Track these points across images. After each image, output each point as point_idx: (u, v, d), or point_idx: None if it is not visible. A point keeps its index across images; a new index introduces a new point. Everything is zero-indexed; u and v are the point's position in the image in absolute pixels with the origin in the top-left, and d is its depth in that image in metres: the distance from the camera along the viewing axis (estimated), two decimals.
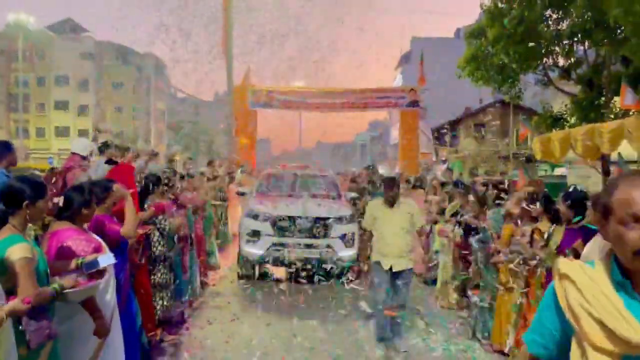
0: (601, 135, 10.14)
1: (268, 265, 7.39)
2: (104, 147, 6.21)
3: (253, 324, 5.38)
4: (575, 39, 14.94)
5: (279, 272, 7.56)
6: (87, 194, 2.94)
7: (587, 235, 3.12)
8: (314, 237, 6.93)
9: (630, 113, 9.18)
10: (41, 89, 48.34)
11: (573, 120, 17.05)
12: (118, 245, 3.24)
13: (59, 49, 48.07)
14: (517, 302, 3.98)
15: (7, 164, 4.12)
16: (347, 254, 7.11)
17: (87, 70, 49.23)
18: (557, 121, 18.18)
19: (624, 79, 10.74)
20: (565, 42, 15.11)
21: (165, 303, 4.70)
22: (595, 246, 3.08)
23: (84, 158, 5.15)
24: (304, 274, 6.78)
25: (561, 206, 3.49)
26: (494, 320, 4.53)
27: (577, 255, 3.21)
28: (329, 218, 7.04)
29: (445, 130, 31.63)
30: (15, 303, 2.08)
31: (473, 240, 5.12)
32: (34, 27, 44.71)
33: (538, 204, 4.04)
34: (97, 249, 2.86)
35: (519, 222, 4.22)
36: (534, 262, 3.73)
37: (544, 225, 3.80)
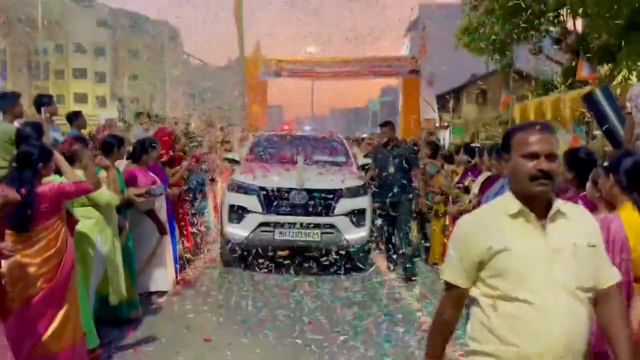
0: (564, 104, 11.54)
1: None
2: (138, 116, 7.89)
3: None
4: (561, 11, 15.98)
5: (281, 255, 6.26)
6: (146, 146, 4.55)
7: (476, 174, 4.71)
8: (313, 214, 5.68)
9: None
10: (60, 56, 49.86)
11: (562, 88, 18.22)
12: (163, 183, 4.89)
13: (75, 17, 49.35)
14: (444, 224, 5.68)
15: (77, 126, 5.73)
16: (356, 235, 5.79)
17: (102, 38, 50.62)
18: (547, 88, 19.33)
19: (582, 52, 11.99)
20: (551, 14, 16.13)
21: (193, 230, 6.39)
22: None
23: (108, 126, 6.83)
24: (303, 259, 5.84)
25: (461, 154, 5.15)
26: (431, 241, 6.18)
27: (466, 189, 4.76)
28: (332, 190, 5.76)
29: (448, 97, 32.66)
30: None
31: None
32: None
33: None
34: (154, 182, 4.48)
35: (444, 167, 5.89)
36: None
37: (459, 169, 5.43)
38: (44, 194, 2.86)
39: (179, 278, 5.33)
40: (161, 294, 4.83)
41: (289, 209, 5.71)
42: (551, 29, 17.40)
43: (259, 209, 5.72)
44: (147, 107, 36.71)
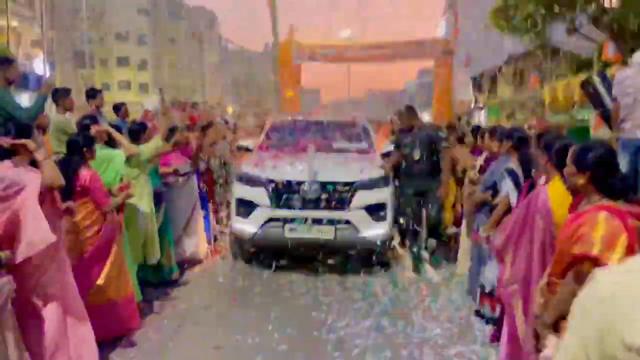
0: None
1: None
2: (173, 104, 8.61)
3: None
4: None
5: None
6: (174, 131, 5.17)
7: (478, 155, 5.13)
8: (327, 209, 5.22)
9: None
10: (104, 45, 51.77)
11: (598, 66, 17.98)
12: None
13: (117, 6, 51.03)
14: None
15: (122, 116, 6.41)
16: (375, 232, 5.27)
17: (143, 26, 52.17)
18: (581, 67, 19.08)
19: (606, 33, 11.94)
20: None
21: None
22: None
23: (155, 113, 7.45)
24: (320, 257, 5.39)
25: (468, 136, 5.56)
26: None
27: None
28: (348, 182, 5.28)
29: (484, 78, 32.28)
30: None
31: None
32: None
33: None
34: (182, 162, 5.16)
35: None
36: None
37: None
38: (81, 178, 3.43)
39: (212, 248, 5.97)
40: (195, 262, 5.49)
41: (300, 203, 5.24)
42: (588, 6, 17.16)
43: (268, 203, 5.27)
44: (185, 94, 37.93)
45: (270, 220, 5.25)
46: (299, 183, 5.26)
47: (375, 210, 5.34)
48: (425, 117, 26.85)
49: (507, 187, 3.56)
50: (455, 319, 4.14)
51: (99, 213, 3.51)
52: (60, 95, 5.17)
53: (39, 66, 24.58)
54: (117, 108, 6.37)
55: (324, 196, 5.23)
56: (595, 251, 1.87)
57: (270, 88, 40.34)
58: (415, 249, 5.47)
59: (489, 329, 3.84)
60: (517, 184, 3.51)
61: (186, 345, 3.73)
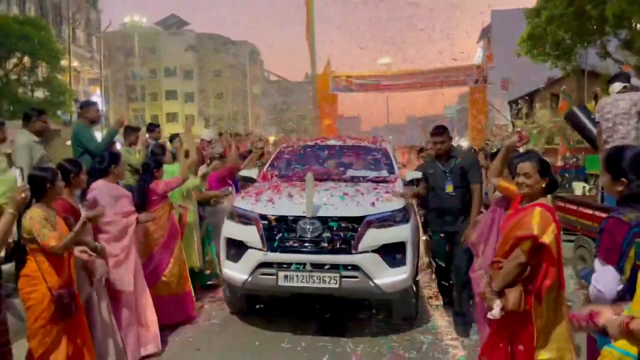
0: None
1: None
2: (220, 135, 9.65)
3: None
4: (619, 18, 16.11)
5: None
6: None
7: None
8: (330, 252, 4.26)
9: None
10: (153, 80, 54.87)
11: None
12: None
13: (166, 43, 54.17)
14: None
15: (175, 145, 7.42)
16: (391, 279, 4.28)
17: (190, 61, 55.04)
18: None
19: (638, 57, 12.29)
20: (612, 18, 16.29)
21: None
22: None
23: (209, 142, 8.45)
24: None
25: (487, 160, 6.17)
26: None
27: None
28: (356, 218, 4.32)
29: (521, 103, 32.43)
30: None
31: None
32: (145, 25, 50.56)
33: None
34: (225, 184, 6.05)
35: None
36: None
37: None
38: (155, 189, 4.42)
39: None
40: None
41: (297, 245, 4.28)
42: (619, 31, 17.55)
43: (259, 244, 4.33)
44: (230, 125, 39.71)
45: (262, 265, 4.31)
46: (296, 219, 4.32)
47: (391, 252, 4.31)
48: (464, 142, 27.21)
49: None
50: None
51: (164, 220, 4.41)
52: (130, 132, 6.21)
53: (98, 103, 26.66)
54: (172, 139, 7.39)
55: (326, 235, 4.26)
56: (535, 232, 2.57)
57: (310, 117, 41.70)
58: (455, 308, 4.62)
59: None
60: None
61: (233, 330, 4.62)
